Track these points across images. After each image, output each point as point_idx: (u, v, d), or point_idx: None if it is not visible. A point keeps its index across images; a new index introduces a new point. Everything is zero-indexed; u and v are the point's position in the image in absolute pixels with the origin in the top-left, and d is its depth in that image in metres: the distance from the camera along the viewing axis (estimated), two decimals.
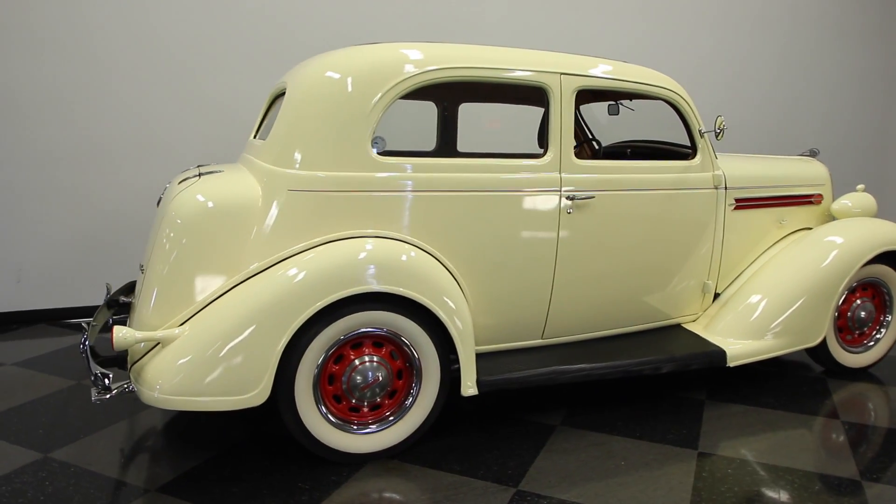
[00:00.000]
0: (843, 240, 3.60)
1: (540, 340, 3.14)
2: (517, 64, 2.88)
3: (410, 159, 2.74)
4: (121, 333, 2.43)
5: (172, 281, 2.59)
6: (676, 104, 3.29)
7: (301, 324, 2.49)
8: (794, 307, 3.43)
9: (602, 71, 3.06)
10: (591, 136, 4.23)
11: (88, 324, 2.80)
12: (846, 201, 3.96)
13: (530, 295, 3.01)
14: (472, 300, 2.89)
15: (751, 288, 3.56)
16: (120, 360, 2.67)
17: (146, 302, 2.60)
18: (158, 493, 2.48)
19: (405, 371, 2.77)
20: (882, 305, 3.79)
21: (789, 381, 3.66)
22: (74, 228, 4.48)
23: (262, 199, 2.64)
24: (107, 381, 2.42)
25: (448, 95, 3.90)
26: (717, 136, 3.27)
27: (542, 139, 3.00)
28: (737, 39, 6.18)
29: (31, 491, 2.47)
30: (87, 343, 2.64)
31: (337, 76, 2.68)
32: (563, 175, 2.95)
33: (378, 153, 2.70)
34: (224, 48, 4.67)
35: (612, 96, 3.79)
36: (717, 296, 3.64)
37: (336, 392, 2.67)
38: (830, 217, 4.01)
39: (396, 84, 2.67)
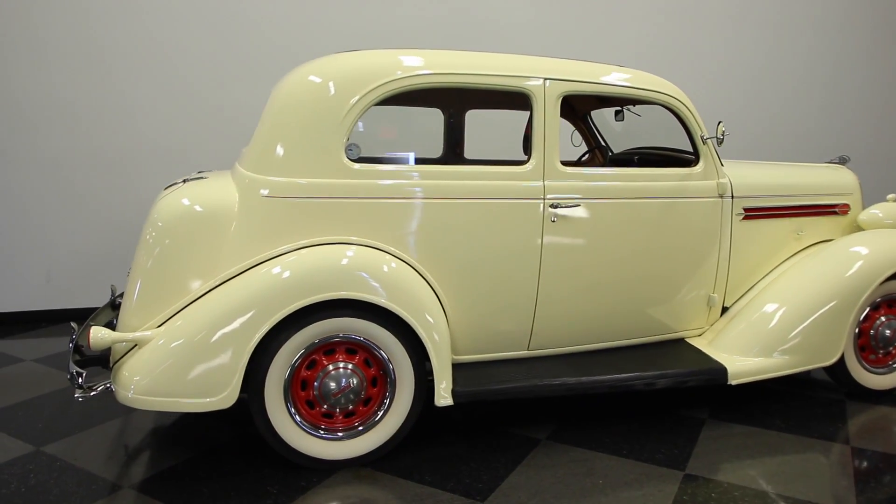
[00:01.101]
0: (864, 252, 3.38)
1: (526, 352, 3.07)
2: (499, 69, 2.84)
3: (383, 166, 2.73)
4: (97, 334, 2.51)
5: (152, 283, 2.66)
6: (675, 109, 3.17)
7: (268, 329, 2.51)
8: (806, 323, 3.24)
9: (592, 76, 2.98)
10: (603, 143, 4.12)
11: (79, 324, 2.90)
12: (876, 211, 3.72)
13: (513, 305, 2.95)
14: (451, 309, 2.86)
15: (760, 301, 3.38)
16: (104, 360, 2.76)
17: (128, 303, 2.68)
18: (130, 490, 2.55)
19: (380, 379, 2.75)
20: None
21: (803, 403, 3.45)
22: (98, 233, 4.69)
23: (238, 205, 2.68)
24: (80, 379, 2.51)
25: (448, 102, 3.89)
26: (717, 143, 3.12)
27: (527, 146, 2.94)
28: (758, 43, 5.93)
29: (15, 482, 2.59)
30: (73, 342, 2.74)
31: (311, 84, 2.71)
32: (546, 182, 2.88)
33: (352, 160, 2.70)
34: (233, 57, 4.81)
35: (608, 102, 3.69)
36: (725, 310, 3.48)
37: (308, 398, 2.69)
38: (858, 228, 3.77)
39: (369, 92, 2.67)
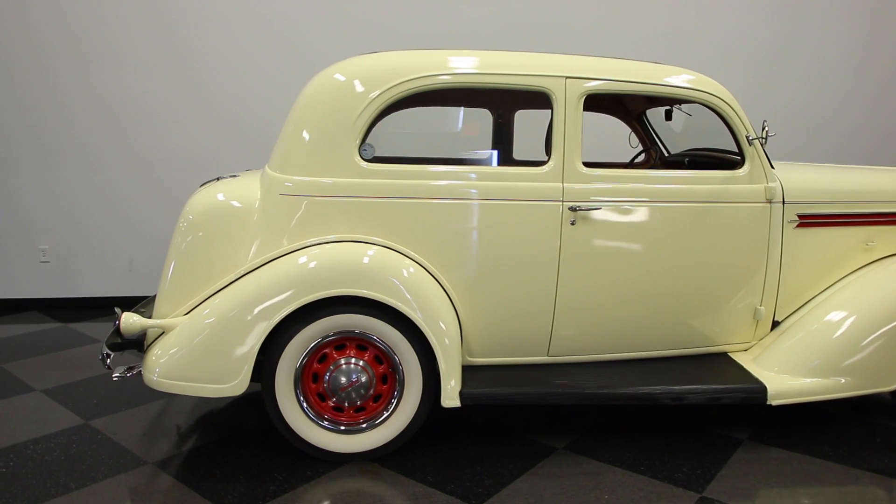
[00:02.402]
0: None
1: (545, 357, 2.99)
2: (519, 68, 2.79)
3: (398, 166, 2.76)
4: (128, 320, 2.71)
5: (181, 273, 2.83)
6: (717, 108, 2.97)
7: (277, 322, 2.61)
8: (865, 342, 2.94)
9: (619, 73, 2.85)
10: (660, 145, 3.94)
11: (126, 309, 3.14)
12: None
13: (530, 309, 2.88)
14: (464, 311, 2.84)
15: (814, 316, 3.11)
16: (141, 344, 2.97)
17: (161, 291, 2.87)
18: (152, 466, 2.74)
19: (390, 377, 2.79)
20: None
21: (861, 430, 3.13)
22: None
23: (259, 202, 2.80)
24: (108, 360, 2.71)
25: (497, 103, 3.85)
26: (749, 142, 2.91)
27: (548, 146, 2.87)
28: (813, 32, 5.42)
29: (58, 451, 2.85)
30: (116, 326, 2.97)
31: (328, 85, 2.78)
32: (565, 185, 2.80)
33: (367, 160, 2.75)
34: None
35: (658, 101, 3.50)
36: (777, 324, 3.22)
37: (319, 390, 2.77)
38: None
39: (383, 92, 2.70)
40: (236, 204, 2.85)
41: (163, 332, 2.79)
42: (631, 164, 3.93)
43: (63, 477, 2.64)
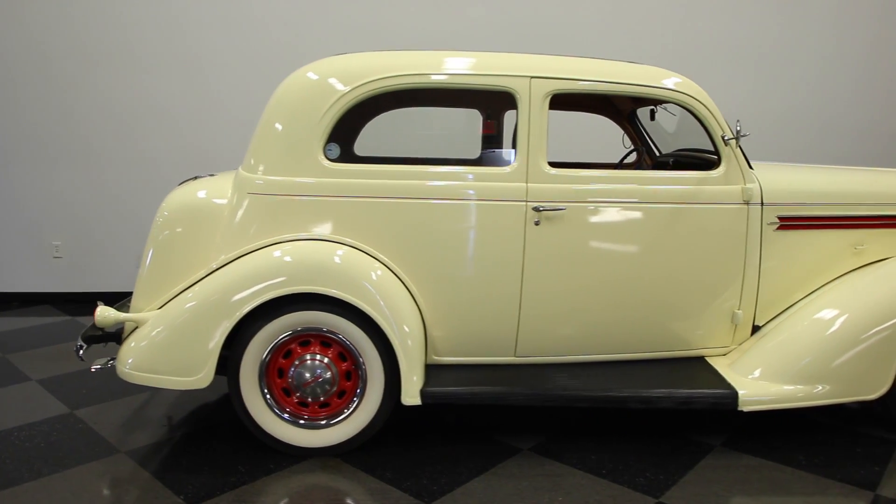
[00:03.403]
0: None
1: (513, 358, 2.98)
2: (483, 69, 2.79)
3: (360, 166, 2.79)
4: (102, 313, 2.81)
5: (155, 268, 2.92)
6: (691, 108, 2.92)
7: (240, 318, 2.67)
8: (845, 349, 2.85)
9: (586, 73, 2.83)
10: (652, 145, 3.88)
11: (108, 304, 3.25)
12: None
13: (494, 310, 2.88)
14: (429, 310, 2.85)
15: (794, 322, 3.02)
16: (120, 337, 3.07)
17: (136, 286, 2.97)
18: (123, 454, 2.84)
19: (353, 373, 2.82)
20: None
21: (844, 440, 3.03)
22: None
23: (229, 201, 2.87)
24: (81, 352, 2.81)
25: (485, 103, 3.84)
26: (726, 142, 2.84)
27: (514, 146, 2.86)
28: (819, 30, 5.25)
29: (39, 438, 2.97)
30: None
31: (295, 86, 2.83)
32: (530, 185, 2.79)
33: (331, 159, 2.79)
34: None
35: (629, 101, 3.45)
36: (758, 329, 3.15)
37: (284, 385, 2.82)
38: None
39: (346, 93, 2.74)
40: (209, 202, 2.93)
41: (137, 326, 2.89)
42: (620, 165, 3.89)
43: (38, 463, 2.75)
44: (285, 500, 2.53)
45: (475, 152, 3.90)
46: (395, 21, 5.16)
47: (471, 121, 4.00)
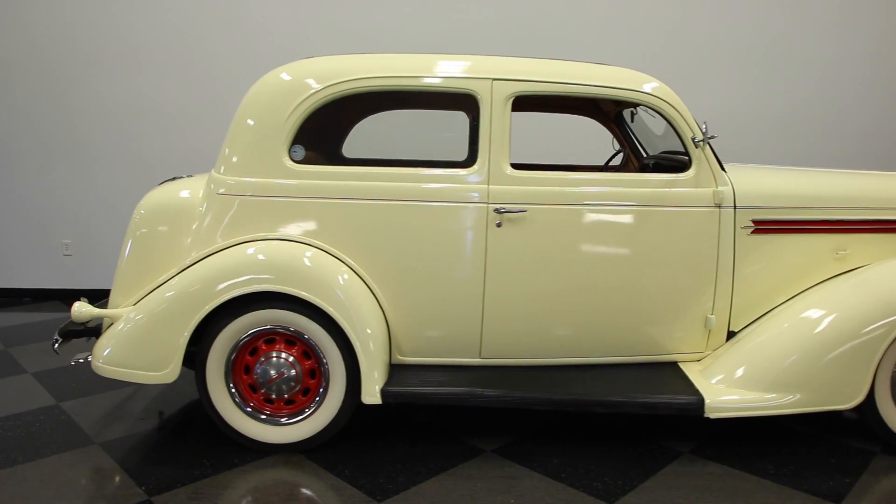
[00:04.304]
0: None
1: (478, 359, 2.98)
2: (445, 71, 2.81)
3: (324, 167, 2.84)
4: (79, 309, 2.91)
5: (132, 265, 3.02)
6: (660, 110, 2.89)
7: (204, 316, 2.73)
8: (817, 358, 2.78)
9: (549, 75, 2.82)
10: (639, 147, 3.83)
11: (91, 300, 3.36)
12: None
13: (457, 311, 2.89)
14: (392, 311, 2.88)
15: (767, 328, 2.96)
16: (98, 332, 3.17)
17: (114, 283, 3.07)
18: (96, 446, 2.93)
19: (317, 371, 2.86)
20: None
21: (819, 449, 2.95)
22: None
23: (201, 201, 2.95)
24: (56, 346, 2.91)
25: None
26: (696, 145, 2.80)
27: (473, 148, 2.86)
28: (821, 30, 5.09)
29: (22, 428, 3.09)
30: None
31: (262, 89, 2.90)
32: (491, 186, 2.79)
33: (296, 161, 2.84)
34: None
35: (612, 103, 3.42)
36: (733, 334, 3.09)
37: (251, 382, 2.88)
38: None
39: (310, 96, 2.79)
40: (184, 201, 3.02)
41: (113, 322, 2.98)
42: (606, 167, 3.85)
43: (15, 451, 2.86)
44: (239, 494, 2.58)
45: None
46: (394, 24, 5.20)
47: (461, 123, 4.02)
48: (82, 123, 5.27)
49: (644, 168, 3.64)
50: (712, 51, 5.23)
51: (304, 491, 2.62)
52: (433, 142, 4.15)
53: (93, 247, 5.35)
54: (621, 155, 3.70)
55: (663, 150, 3.62)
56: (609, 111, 3.79)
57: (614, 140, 3.92)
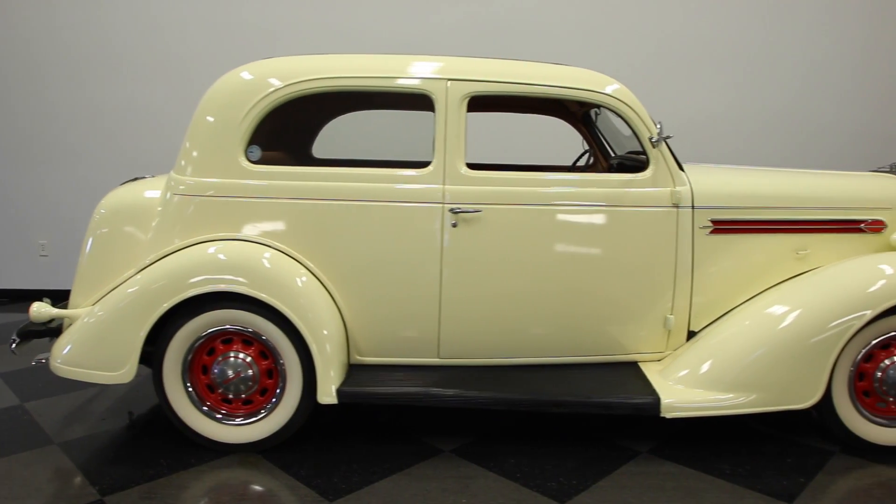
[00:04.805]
0: (864, 276, 2.83)
1: (437, 360, 2.98)
2: (400, 72, 2.81)
3: (279, 168, 2.84)
4: (38, 309, 2.91)
5: (91, 265, 3.02)
6: (616, 109, 2.89)
7: (159, 316, 2.73)
8: (773, 357, 2.78)
9: (505, 75, 2.83)
10: (607, 147, 3.84)
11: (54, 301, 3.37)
12: None
13: (415, 311, 2.89)
14: (349, 311, 2.88)
15: (725, 328, 2.97)
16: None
17: (74, 283, 3.06)
18: (55, 446, 2.93)
19: (275, 371, 2.87)
20: None
21: (776, 449, 2.95)
22: None
23: (159, 201, 2.95)
24: (13, 346, 2.92)
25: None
26: (653, 145, 2.81)
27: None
28: (809, 30, 5.11)
29: None
30: None
31: (218, 90, 2.90)
32: (447, 187, 2.80)
33: (252, 161, 2.84)
34: None
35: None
36: (693, 334, 3.09)
37: (208, 382, 2.88)
38: (892, 250, 3.14)
39: (265, 97, 2.79)
40: (143, 202, 3.02)
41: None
42: (574, 167, 3.86)
43: None
44: (192, 494, 2.58)
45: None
46: (377, 24, 5.22)
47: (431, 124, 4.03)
48: (59, 124, 5.28)
49: (611, 168, 3.64)
50: (699, 52, 5.26)
51: (257, 490, 2.62)
52: (406, 143, 4.16)
53: (69, 247, 5.34)
54: (589, 155, 3.70)
55: (629, 150, 3.62)
56: (576, 111, 3.80)
57: (584, 140, 3.92)
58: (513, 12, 5.24)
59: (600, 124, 3.79)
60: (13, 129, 5.29)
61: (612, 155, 3.75)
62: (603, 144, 3.80)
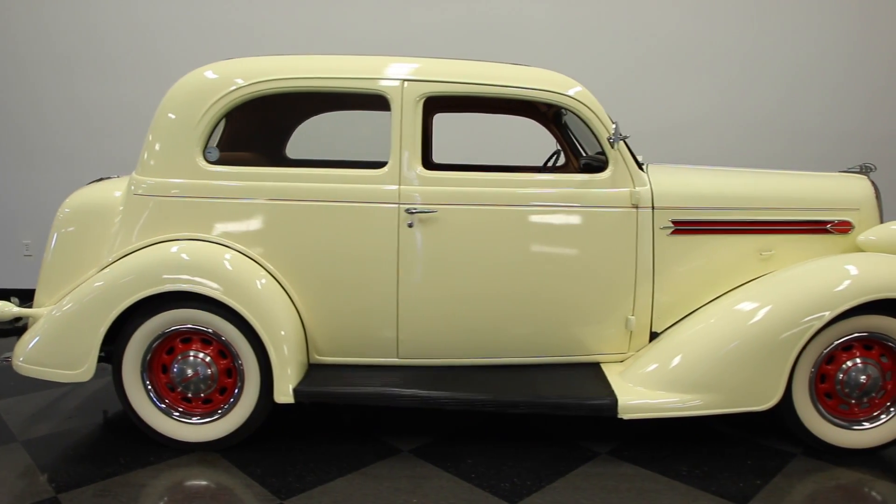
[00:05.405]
0: (824, 277, 2.81)
1: (396, 360, 2.99)
2: (356, 72, 2.82)
3: (237, 168, 2.85)
4: (1, 308, 2.94)
5: (55, 264, 3.05)
6: (574, 110, 2.89)
7: (117, 315, 2.75)
8: (732, 359, 2.77)
9: (461, 76, 2.83)
10: (579, 147, 3.83)
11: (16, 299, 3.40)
12: (872, 236, 3.04)
13: (372, 311, 2.90)
14: (307, 311, 2.89)
15: (685, 329, 2.95)
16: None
17: (38, 282, 3.09)
18: (18, 443, 2.96)
19: (234, 370, 2.88)
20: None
21: (737, 451, 2.93)
22: None
23: (121, 201, 2.98)
24: None
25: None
26: (612, 145, 2.80)
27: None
28: (797, 31, 5.09)
29: None
30: None
31: (177, 91, 2.92)
32: (402, 187, 2.80)
33: (211, 162, 2.86)
34: None
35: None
36: (656, 335, 3.07)
37: (168, 381, 2.90)
38: (859, 251, 3.11)
39: (222, 97, 2.81)
40: (106, 202, 3.04)
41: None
42: (544, 168, 3.85)
43: None
44: (146, 492, 2.59)
45: None
46: (363, 25, 5.23)
47: None
48: (45, 123, 5.33)
49: (583, 168, 3.63)
50: (686, 56, 5.24)
51: (211, 488, 2.63)
52: (377, 144, 4.18)
53: None
54: (557, 157, 3.70)
55: (598, 150, 3.61)
56: (546, 112, 3.79)
57: (556, 141, 3.92)
58: (500, 14, 5.23)
59: (571, 125, 3.78)
60: None
61: (584, 155, 3.74)
62: (574, 145, 3.78)
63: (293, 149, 3.91)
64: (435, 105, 3.70)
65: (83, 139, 5.37)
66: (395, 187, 2.80)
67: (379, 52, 3.07)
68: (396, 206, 2.80)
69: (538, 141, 4.38)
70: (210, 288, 2.73)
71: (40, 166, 5.37)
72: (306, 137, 3.92)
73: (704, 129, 5.36)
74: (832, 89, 5.29)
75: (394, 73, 2.80)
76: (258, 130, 3.65)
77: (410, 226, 2.81)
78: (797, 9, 5.23)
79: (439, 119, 3.96)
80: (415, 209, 2.79)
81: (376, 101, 2.85)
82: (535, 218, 2.87)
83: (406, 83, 2.78)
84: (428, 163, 3.95)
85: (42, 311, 2.93)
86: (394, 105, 2.78)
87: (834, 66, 5.27)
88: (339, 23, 5.25)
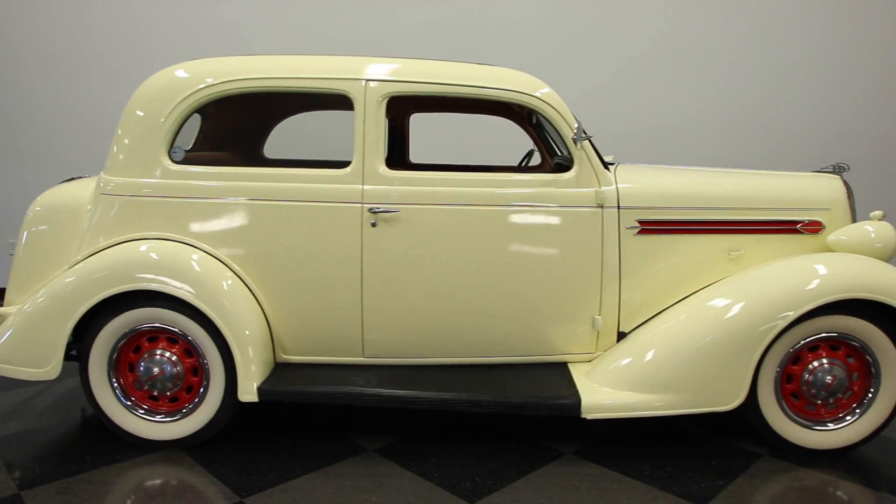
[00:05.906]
0: (788, 276, 2.80)
1: (362, 359, 3.00)
2: (319, 72, 2.83)
3: (200, 168, 2.87)
4: None
5: (25, 262, 3.07)
6: (537, 109, 2.89)
7: (83, 314, 2.77)
8: (696, 359, 2.76)
9: (423, 76, 2.83)
10: (554, 147, 3.83)
11: None
12: (843, 236, 3.03)
13: (337, 310, 2.91)
14: (272, 310, 2.91)
15: (650, 330, 2.95)
16: None
17: (9, 280, 3.12)
18: None
19: (200, 369, 2.89)
20: (863, 371, 2.84)
21: (702, 451, 2.93)
22: None
23: (89, 201, 2.99)
24: None
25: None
26: (576, 144, 2.80)
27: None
28: (787, 31, 5.09)
29: None
30: None
31: (145, 88, 2.94)
32: (365, 187, 2.81)
33: (177, 161, 2.88)
34: None
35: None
36: (623, 335, 3.07)
37: (134, 379, 2.91)
38: (829, 251, 3.09)
39: (188, 96, 2.83)
40: (77, 201, 3.06)
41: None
42: (519, 167, 3.85)
43: None
44: (108, 490, 2.61)
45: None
46: (353, 25, 5.24)
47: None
48: (34, 123, 5.37)
49: (557, 168, 3.63)
50: (677, 56, 5.25)
51: (172, 486, 2.64)
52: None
53: None
54: (528, 158, 3.70)
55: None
56: (521, 112, 3.79)
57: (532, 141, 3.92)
58: (489, 16, 5.24)
59: (545, 125, 3.78)
60: None
61: (559, 155, 3.74)
62: (550, 145, 3.78)
63: (273, 149, 3.92)
64: (408, 105, 3.71)
65: (73, 140, 5.40)
66: (358, 187, 2.81)
67: (366, 53, 3.08)
68: (360, 205, 2.81)
69: (520, 141, 4.40)
70: (176, 288, 2.75)
71: (28, 166, 5.40)
72: (285, 137, 3.94)
73: (694, 130, 5.36)
74: (822, 90, 5.29)
75: (357, 73, 2.81)
76: (235, 130, 3.67)
77: (374, 225, 2.81)
78: (786, 10, 5.22)
79: (419, 119, 3.97)
80: (378, 209, 2.80)
81: (340, 101, 2.85)
82: (499, 217, 2.87)
83: (369, 83, 2.79)
84: (404, 162, 3.97)
85: (10, 310, 2.95)
86: (357, 105, 2.79)
87: (823, 66, 5.27)
88: (330, 23, 5.27)
